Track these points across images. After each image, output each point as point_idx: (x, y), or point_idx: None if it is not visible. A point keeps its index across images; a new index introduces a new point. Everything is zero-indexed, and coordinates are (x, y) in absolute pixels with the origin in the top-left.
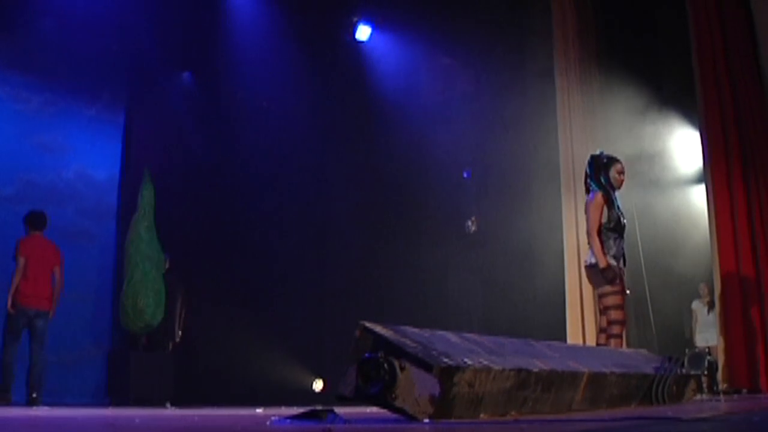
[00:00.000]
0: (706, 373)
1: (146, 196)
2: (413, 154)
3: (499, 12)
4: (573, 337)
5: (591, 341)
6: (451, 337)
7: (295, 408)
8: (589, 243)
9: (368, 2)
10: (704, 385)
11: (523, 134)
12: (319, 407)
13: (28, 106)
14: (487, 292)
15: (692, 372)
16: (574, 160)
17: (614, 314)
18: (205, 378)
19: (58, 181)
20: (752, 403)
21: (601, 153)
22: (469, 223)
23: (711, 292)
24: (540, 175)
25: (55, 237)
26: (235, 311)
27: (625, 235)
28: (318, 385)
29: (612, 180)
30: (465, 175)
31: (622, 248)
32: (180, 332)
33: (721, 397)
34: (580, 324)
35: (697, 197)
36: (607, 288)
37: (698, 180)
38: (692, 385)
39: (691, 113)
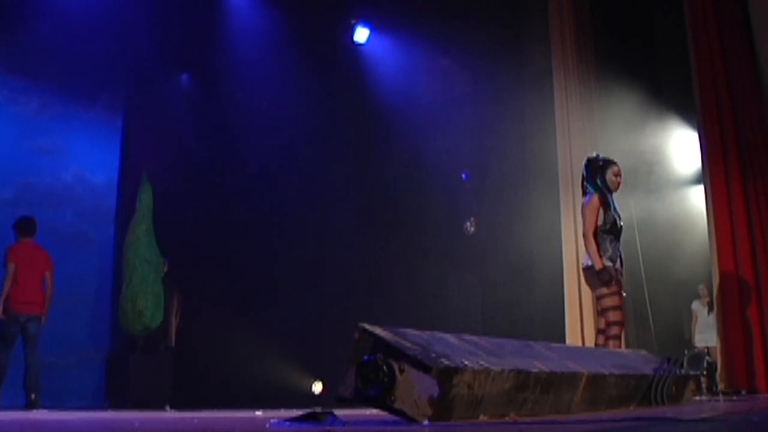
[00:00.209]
0: (705, 373)
1: (145, 198)
2: (412, 155)
3: (497, 15)
4: (572, 338)
5: (590, 342)
6: (450, 338)
7: (294, 410)
8: (585, 245)
9: (366, 4)
10: (703, 386)
11: (521, 136)
12: (318, 409)
13: (27, 109)
14: (486, 294)
15: (691, 373)
16: (572, 162)
17: (613, 315)
18: (205, 380)
19: (57, 184)
20: (751, 403)
21: (598, 155)
22: (468, 224)
23: (711, 292)
24: (538, 177)
25: (53, 240)
26: (235, 313)
27: (622, 237)
28: (317, 387)
29: (608, 182)
30: (464, 176)
31: (619, 250)
32: (174, 337)
33: (720, 397)
34: (579, 325)
35: (696, 199)
36: (604, 290)
37: (697, 181)
38: (691, 385)
39: (689, 115)
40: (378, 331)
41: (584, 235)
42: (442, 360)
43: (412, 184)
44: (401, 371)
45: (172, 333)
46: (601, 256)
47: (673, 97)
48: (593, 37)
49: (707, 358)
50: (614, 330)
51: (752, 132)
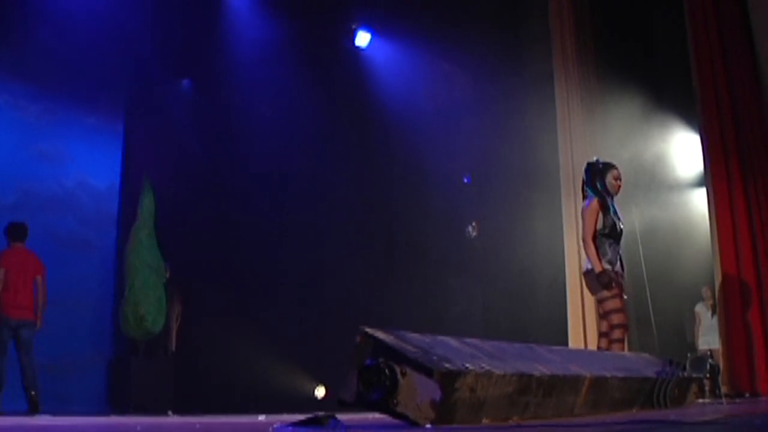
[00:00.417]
0: (708, 376)
1: (146, 203)
2: (413, 159)
3: (498, 18)
4: (574, 341)
5: (592, 345)
6: (452, 342)
7: (297, 415)
8: (584, 249)
9: (367, 9)
10: (706, 389)
11: (522, 139)
12: (320, 414)
13: (28, 115)
14: (488, 297)
15: (694, 375)
16: (574, 165)
17: (615, 318)
18: (207, 385)
19: (58, 189)
20: (754, 406)
21: (597, 159)
22: (470, 228)
23: (714, 295)
24: (540, 181)
25: (55, 245)
26: (237, 318)
27: (623, 241)
28: (320, 391)
29: (608, 186)
30: (465, 180)
31: (618, 253)
32: (175, 342)
33: (723, 400)
34: (582, 329)
35: (698, 201)
36: (605, 293)
37: (698, 183)
38: (694, 388)
39: (690, 117)
40: (380, 334)
41: (583, 239)
42: (444, 363)
43: (414, 187)
44: (403, 375)
45: (172, 338)
46: (600, 260)
47: (673, 99)
48: (593, 39)
49: (710, 360)
50: (617, 333)
51: (753, 133)
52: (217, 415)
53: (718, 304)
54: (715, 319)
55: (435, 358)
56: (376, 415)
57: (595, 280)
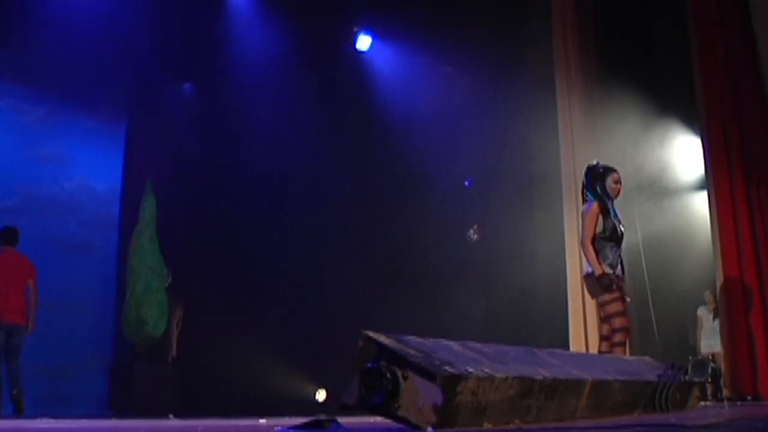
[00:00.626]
0: (710, 380)
1: (148, 207)
2: (414, 162)
3: (499, 22)
4: (576, 345)
5: (594, 349)
6: (454, 345)
7: (298, 418)
8: (583, 252)
9: (368, 12)
10: (708, 392)
11: (524, 143)
12: (322, 417)
13: (30, 118)
14: (490, 301)
15: (696, 379)
16: (575, 169)
17: (618, 322)
18: (208, 388)
19: (60, 192)
20: (756, 409)
21: (598, 163)
22: (471, 231)
23: (716, 298)
24: (542, 184)
25: (56, 248)
26: (238, 321)
27: (623, 244)
28: (321, 395)
29: (608, 189)
30: (466, 183)
31: (620, 256)
32: (176, 346)
33: (725, 404)
34: (583, 332)
35: (699, 204)
36: (606, 296)
37: (700, 187)
38: (696, 392)
39: (692, 121)
40: (381, 338)
41: (582, 243)
42: (446, 367)
43: (415, 191)
44: (405, 379)
45: (173, 342)
46: (600, 263)
47: (676, 103)
48: (595, 42)
49: (712, 364)
50: (618, 337)
51: (756, 138)
52: (218, 419)
53: (721, 307)
54: (717, 322)
55: (437, 361)
56: (377, 419)
57: (595, 283)
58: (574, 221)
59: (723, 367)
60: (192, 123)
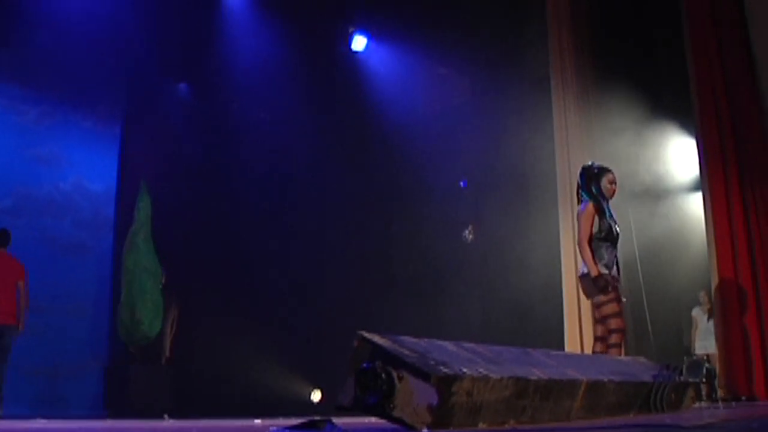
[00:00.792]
0: (704, 380)
1: (143, 207)
2: (410, 163)
3: (495, 23)
4: (571, 345)
5: (589, 350)
6: (449, 346)
7: (293, 419)
8: (580, 253)
9: (364, 13)
10: (703, 393)
11: (519, 144)
12: (317, 418)
13: (25, 119)
14: (485, 301)
15: (690, 380)
16: (570, 169)
17: (613, 323)
18: (204, 389)
19: (55, 193)
20: (750, 410)
21: (593, 163)
22: (467, 232)
23: (711, 299)
24: (537, 184)
25: (52, 249)
26: (233, 322)
27: (619, 245)
28: (316, 395)
29: (603, 190)
30: (461, 184)
31: (615, 257)
32: (170, 347)
33: (720, 404)
34: (578, 332)
35: (694, 205)
36: (602, 297)
37: (695, 188)
38: (691, 392)
39: (687, 122)
40: (376, 339)
41: (579, 243)
42: (441, 368)
43: (411, 192)
44: (400, 379)
45: (166, 343)
46: (596, 263)
47: (671, 104)
48: (591, 43)
49: (706, 365)
50: (614, 338)
51: (751, 139)
52: (213, 419)
53: (715, 308)
54: (712, 323)
55: (432, 362)
56: (372, 419)
57: (591, 284)
58: (569, 222)
59: (718, 367)
60: (187, 124)
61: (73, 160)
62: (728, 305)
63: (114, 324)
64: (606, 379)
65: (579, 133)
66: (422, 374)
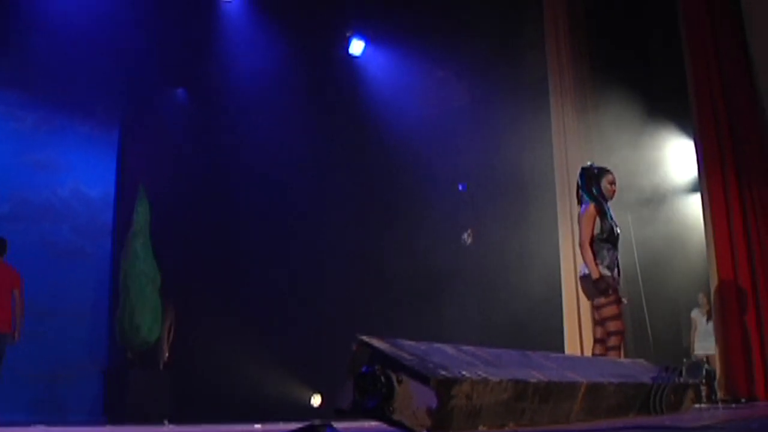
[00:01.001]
0: (704, 382)
1: (141, 212)
2: (408, 167)
3: (492, 26)
4: (571, 347)
5: (589, 351)
6: (448, 349)
7: (293, 423)
8: (581, 254)
9: (361, 17)
10: (703, 395)
11: (518, 146)
12: (317, 422)
13: (23, 125)
14: (484, 304)
15: (690, 381)
16: (569, 171)
17: (612, 325)
18: (203, 394)
19: (53, 198)
20: (750, 411)
21: (592, 164)
22: (466, 235)
23: (710, 301)
24: (535, 187)
25: (50, 254)
26: (233, 327)
27: (619, 246)
28: (316, 400)
29: (604, 191)
30: (460, 187)
31: (616, 258)
32: (167, 353)
33: (720, 406)
34: (578, 335)
35: (692, 207)
36: (602, 299)
37: (693, 190)
38: (690, 394)
39: (685, 124)
40: (375, 342)
41: (581, 245)
42: (441, 371)
43: (409, 196)
44: (399, 382)
45: (164, 347)
46: (597, 265)
47: (669, 105)
48: (588, 46)
49: (706, 366)
50: (613, 341)
51: (749, 141)
52: (213, 424)
53: (715, 309)
54: (711, 324)
55: (431, 365)
56: (372, 423)
57: (592, 286)
58: (568, 224)
59: (717, 369)
60: (185, 128)
61: (70, 165)
62: (728, 306)
63: (113, 329)
64: (605, 381)
65: (577, 136)
66: (421, 377)
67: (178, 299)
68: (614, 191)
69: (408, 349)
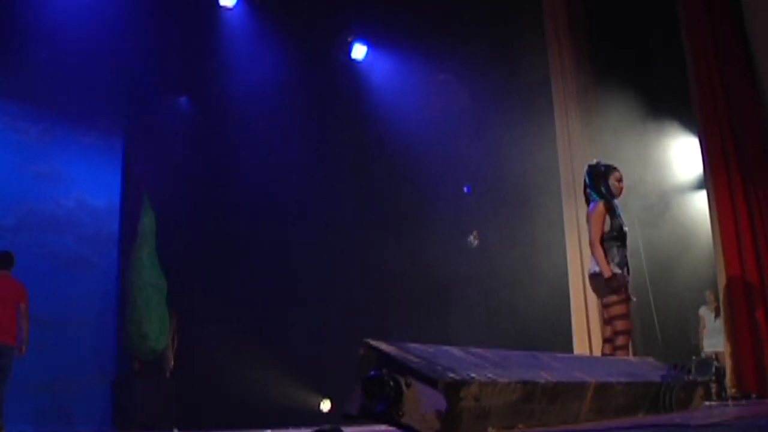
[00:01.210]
0: (714, 379)
1: (147, 222)
2: (413, 170)
3: (493, 28)
4: (580, 347)
5: (598, 351)
6: (456, 351)
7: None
8: (592, 253)
9: (363, 21)
10: (713, 392)
11: (522, 147)
12: (327, 427)
13: (27, 136)
14: (491, 305)
15: (699, 379)
16: (573, 170)
17: (620, 324)
18: (212, 401)
19: (58, 209)
20: (761, 407)
21: (598, 162)
22: (471, 237)
23: (717, 298)
24: (541, 186)
25: (55, 265)
26: (240, 333)
27: (627, 243)
28: (326, 405)
29: (612, 188)
30: (465, 189)
31: (626, 256)
32: (172, 361)
33: (730, 402)
34: (587, 334)
35: (698, 204)
36: (613, 297)
37: (698, 187)
38: (700, 392)
39: (688, 121)
40: (383, 346)
41: (591, 243)
42: (449, 373)
43: (414, 199)
44: (407, 386)
45: (170, 355)
46: (609, 263)
47: (672, 103)
48: (590, 46)
49: (715, 363)
50: (621, 340)
51: (752, 135)
52: (222, 431)
53: (723, 306)
54: (719, 321)
55: (439, 368)
56: (381, 427)
57: (602, 283)
58: (574, 225)
59: (727, 366)
60: (189, 137)
61: (74, 176)
62: (736, 303)
63: (120, 339)
64: (614, 381)
65: (581, 134)
66: (430, 380)
67: (184, 307)
68: (622, 188)
69: (415, 352)
